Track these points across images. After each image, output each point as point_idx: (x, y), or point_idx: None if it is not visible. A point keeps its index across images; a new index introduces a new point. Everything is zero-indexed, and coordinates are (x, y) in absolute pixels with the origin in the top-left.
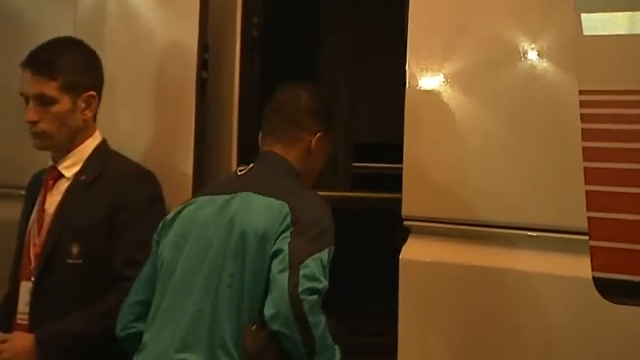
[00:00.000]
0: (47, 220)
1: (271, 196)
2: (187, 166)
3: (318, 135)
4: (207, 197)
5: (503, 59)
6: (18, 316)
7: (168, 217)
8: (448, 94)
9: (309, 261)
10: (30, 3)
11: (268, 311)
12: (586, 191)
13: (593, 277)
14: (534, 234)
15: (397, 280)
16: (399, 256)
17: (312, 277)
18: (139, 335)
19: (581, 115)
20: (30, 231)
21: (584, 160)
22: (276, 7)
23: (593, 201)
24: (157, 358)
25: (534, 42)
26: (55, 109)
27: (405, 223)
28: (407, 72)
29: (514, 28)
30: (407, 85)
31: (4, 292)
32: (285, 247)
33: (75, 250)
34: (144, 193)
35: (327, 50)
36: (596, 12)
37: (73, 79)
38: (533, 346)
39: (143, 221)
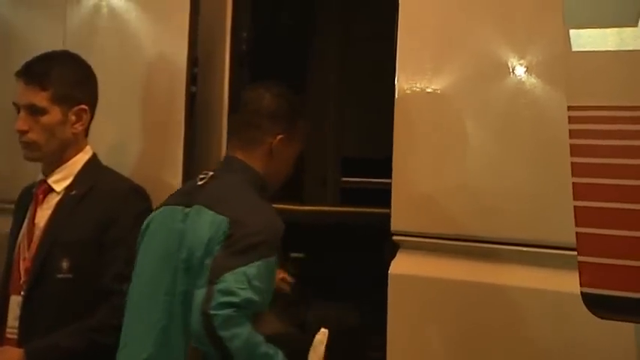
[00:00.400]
0: (37, 234)
1: (217, 211)
2: (176, 180)
3: (279, 137)
4: (169, 207)
5: (492, 75)
6: (7, 330)
7: (144, 225)
8: (437, 109)
9: (227, 275)
10: (20, 17)
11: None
12: (575, 207)
13: (582, 293)
14: (523, 249)
15: (386, 295)
16: (387, 270)
17: (226, 292)
18: None
19: (569, 130)
20: (20, 245)
21: (573, 175)
22: (265, 22)
23: (581, 216)
24: None
25: (523, 57)
26: (45, 119)
27: (394, 237)
28: (396, 87)
29: (503, 43)
30: (396, 99)
31: None
32: (210, 263)
33: (65, 264)
34: (134, 208)
35: (316, 64)
36: (584, 28)
37: (64, 91)
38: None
39: (133, 237)
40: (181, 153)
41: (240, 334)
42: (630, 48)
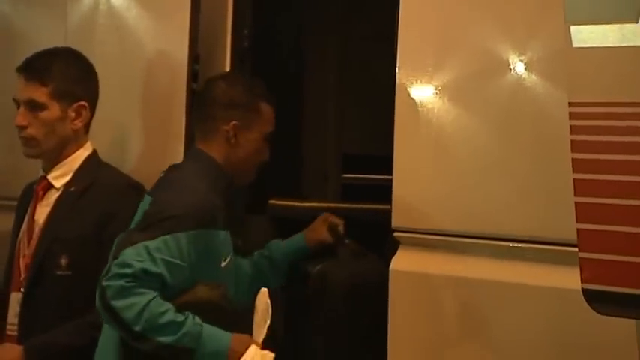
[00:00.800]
0: (37, 230)
1: (150, 195)
2: None
3: (232, 124)
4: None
5: (493, 72)
6: (7, 326)
7: None
8: (437, 107)
9: (127, 249)
10: (21, 14)
11: None
12: (575, 203)
13: (583, 289)
14: (524, 245)
15: (387, 291)
16: (388, 267)
17: (122, 264)
18: None
19: (570, 126)
20: (20, 241)
21: (574, 171)
22: (266, 19)
23: (582, 213)
24: None
25: (523, 54)
26: (44, 115)
27: (395, 234)
28: (396, 84)
29: (503, 40)
30: (396, 97)
31: None
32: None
33: (64, 261)
34: (133, 204)
35: (317, 61)
36: (585, 24)
37: (64, 87)
38: (522, 358)
39: None
40: (182, 150)
41: (135, 303)
42: (631, 44)
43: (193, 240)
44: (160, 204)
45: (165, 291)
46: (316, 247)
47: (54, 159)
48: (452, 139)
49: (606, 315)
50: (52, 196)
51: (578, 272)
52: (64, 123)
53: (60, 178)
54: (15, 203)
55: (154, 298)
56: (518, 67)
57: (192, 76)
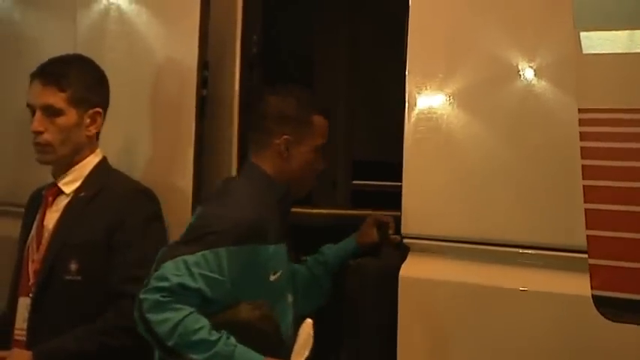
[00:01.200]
0: (46, 236)
1: (199, 207)
2: (187, 183)
3: (284, 138)
4: None
5: (503, 78)
6: (16, 332)
7: None
8: (447, 113)
9: (167, 263)
10: (31, 19)
11: None
12: (585, 209)
13: (593, 296)
14: (533, 252)
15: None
16: (398, 273)
17: (160, 278)
18: None
19: (580, 133)
20: (29, 247)
21: (584, 178)
22: (275, 24)
23: (592, 219)
24: None
25: (533, 60)
26: (61, 120)
27: (405, 240)
28: (406, 90)
29: (513, 46)
30: (406, 103)
31: (3, 309)
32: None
33: (73, 266)
34: (142, 210)
35: (326, 67)
36: (595, 30)
37: (81, 93)
38: None
39: (141, 239)
40: (192, 156)
41: (169, 319)
42: None
43: (235, 256)
44: (204, 218)
45: (207, 306)
46: (366, 248)
47: (65, 165)
48: (461, 146)
49: (616, 321)
50: (62, 202)
51: (588, 279)
52: (80, 129)
53: (70, 184)
54: (21, 210)
55: (190, 314)
56: (528, 73)
57: (202, 82)
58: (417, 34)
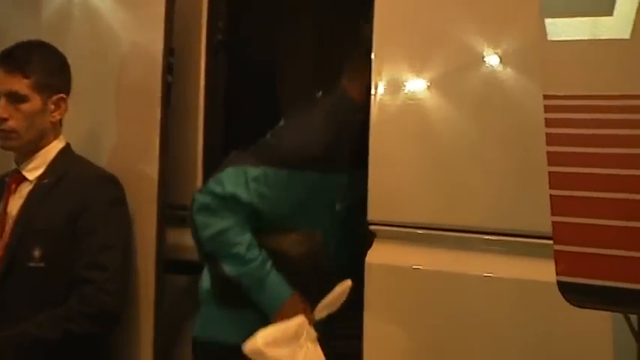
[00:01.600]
0: (9, 223)
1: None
2: (153, 169)
3: None
4: None
5: (469, 64)
6: None
7: None
8: (413, 99)
9: (229, 168)
10: None
11: None
12: (550, 195)
13: (558, 282)
14: (499, 238)
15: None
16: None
17: (217, 181)
18: None
19: (545, 119)
20: None
21: (549, 164)
22: (241, 11)
23: (557, 205)
24: None
25: (498, 47)
26: (26, 107)
27: (371, 227)
28: (372, 76)
29: (478, 32)
30: (372, 88)
31: None
32: None
33: (37, 253)
34: (106, 196)
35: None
36: (560, 17)
37: (45, 79)
38: (497, 351)
39: (105, 225)
40: (157, 142)
41: (213, 224)
42: (605, 37)
43: (297, 180)
44: (277, 134)
45: (257, 223)
46: None
47: (29, 151)
48: (427, 132)
49: (581, 307)
50: (25, 189)
51: (553, 265)
52: (44, 115)
53: (33, 170)
54: None
55: (235, 226)
56: (493, 59)
57: (167, 68)
58: (382, 22)
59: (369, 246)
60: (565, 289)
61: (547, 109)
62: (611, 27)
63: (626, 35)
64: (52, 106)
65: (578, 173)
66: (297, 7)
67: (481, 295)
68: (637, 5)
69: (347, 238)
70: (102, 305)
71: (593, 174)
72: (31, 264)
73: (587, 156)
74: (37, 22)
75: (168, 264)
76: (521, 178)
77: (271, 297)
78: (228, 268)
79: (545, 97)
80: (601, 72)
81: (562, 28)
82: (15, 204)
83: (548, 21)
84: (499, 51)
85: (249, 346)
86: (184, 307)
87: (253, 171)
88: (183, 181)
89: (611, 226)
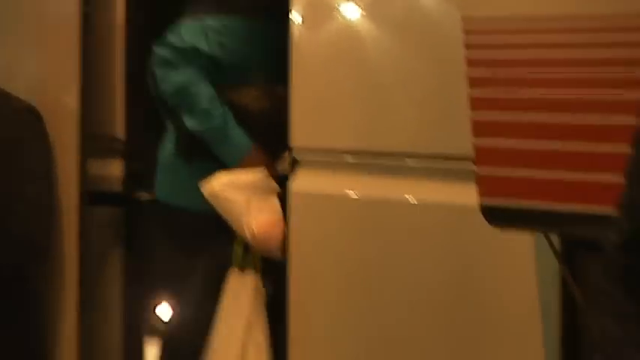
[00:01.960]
0: None
1: None
2: (73, 100)
3: None
4: None
5: None
6: None
7: None
8: (336, 20)
9: (188, 23)
10: None
11: None
12: (471, 119)
13: (480, 204)
14: (422, 162)
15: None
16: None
17: (176, 34)
18: None
19: (464, 43)
20: None
21: (469, 87)
22: None
23: (478, 128)
24: None
25: None
26: None
27: (294, 154)
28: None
29: None
30: (292, 9)
31: None
32: None
33: None
34: (26, 128)
35: None
36: None
37: None
38: (423, 275)
39: (26, 156)
40: (78, 72)
41: (174, 78)
42: None
43: (258, 32)
44: None
45: (220, 76)
46: None
47: None
48: (351, 56)
49: (504, 229)
50: None
51: (474, 187)
52: None
53: None
54: None
55: (196, 79)
56: None
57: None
58: None
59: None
60: (487, 211)
61: (466, 32)
62: None
63: None
64: None
65: (498, 97)
66: None
67: (407, 220)
68: None
69: None
70: (26, 237)
71: (514, 97)
72: None
73: (508, 79)
74: None
75: (92, 195)
76: (446, 102)
77: (233, 150)
78: (191, 123)
79: (464, 19)
80: None
81: None
82: None
83: None
84: None
85: (206, 188)
86: (108, 238)
87: (212, 22)
88: (105, 111)
89: (531, 148)
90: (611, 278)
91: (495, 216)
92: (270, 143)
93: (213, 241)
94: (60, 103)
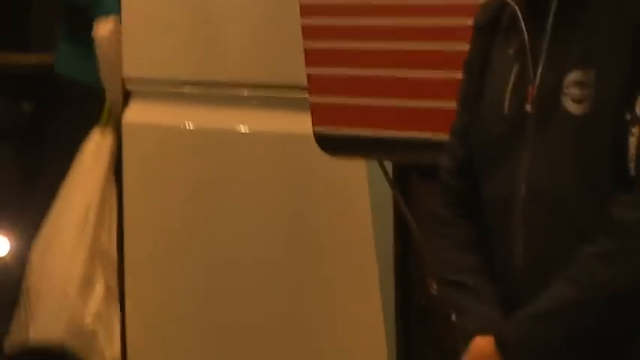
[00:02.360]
0: None
1: None
2: None
3: None
4: None
5: None
6: None
7: None
8: None
9: None
10: None
11: None
12: (305, 48)
13: (314, 132)
14: (256, 92)
15: None
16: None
17: None
18: None
19: None
20: None
21: (302, 16)
22: None
23: (311, 57)
24: None
25: None
26: None
27: (127, 86)
28: None
29: None
30: None
31: None
32: None
33: None
34: None
35: None
36: None
37: None
38: (256, 202)
39: None
40: None
41: None
42: None
43: None
44: None
45: None
46: None
47: None
48: None
49: (337, 157)
50: None
51: (309, 116)
52: None
53: None
54: None
55: None
56: None
57: None
58: None
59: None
60: (321, 139)
61: None
62: None
63: None
64: None
65: (331, 25)
66: None
67: (242, 150)
68: None
69: None
70: None
71: (346, 25)
72: None
73: (340, 7)
74: None
75: None
76: (280, 30)
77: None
78: None
79: None
80: None
81: None
82: None
83: None
84: None
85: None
86: None
87: None
88: None
89: (362, 76)
90: (443, 203)
91: (329, 144)
92: None
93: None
94: None
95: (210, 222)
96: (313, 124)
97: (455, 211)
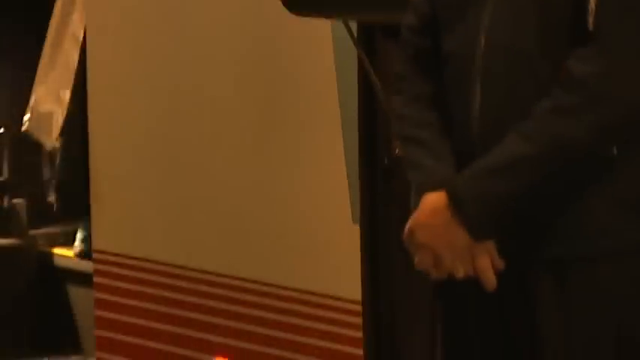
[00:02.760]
0: None
1: None
2: None
3: None
4: None
5: None
6: None
7: None
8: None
9: None
10: None
11: None
12: None
13: None
14: None
15: None
16: None
17: None
18: None
19: None
20: None
21: None
22: None
23: None
24: None
25: None
26: None
27: None
28: None
29: None
30: None
31: None
32: None
33: None
34: None
35: None
36: None
37: None
38: (222, 61)
39: None
40: None
41: None
42: None
43: None
44: None
45: None
46: None
47: None
48: None
49: (302, 16)
50: None
51: None
52: None
53: None
54: None
55: None
56: None
57: None
58: None
59: None
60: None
61: None
62: None
63: None
64: None
65: None
66: None
67: (207, 10)
68: None
69: None
70: None
71: None
72: None
73: None
74: None
75: None
76: None
77: None
78: None
79: None
80: None
81: None
82: None
83: None
84: None
85: None
86: None
87: None
88: None
89: None
90: (402, 59)
91: (294, 3)
92: None
93: None
94: None
95: (179, 73)
96: None
97: (413, 67)
